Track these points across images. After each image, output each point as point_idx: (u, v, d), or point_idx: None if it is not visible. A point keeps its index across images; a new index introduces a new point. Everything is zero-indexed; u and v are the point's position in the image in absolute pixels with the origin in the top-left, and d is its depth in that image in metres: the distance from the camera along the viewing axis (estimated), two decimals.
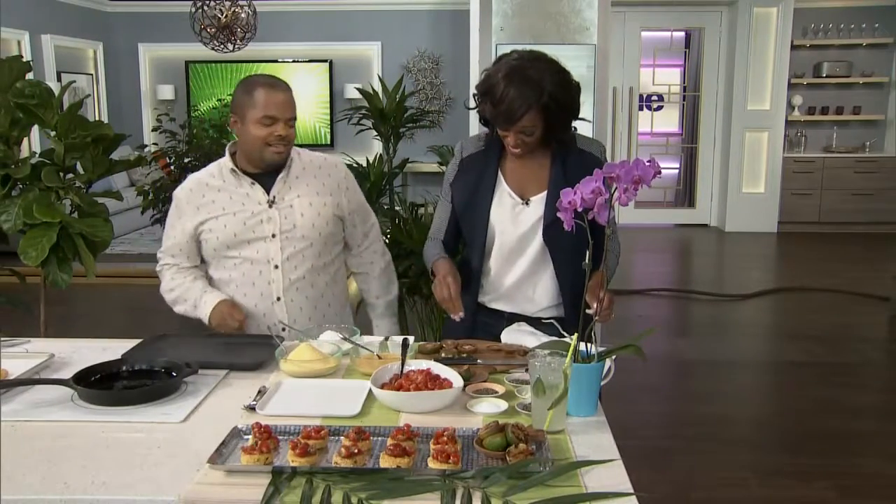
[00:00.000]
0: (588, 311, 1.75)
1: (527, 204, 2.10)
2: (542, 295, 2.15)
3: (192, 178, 2.31)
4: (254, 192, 2.22)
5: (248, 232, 2.21)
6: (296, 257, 2.23)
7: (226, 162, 2.26)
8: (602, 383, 1.62)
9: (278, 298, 2.23)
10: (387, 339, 2.00)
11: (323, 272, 2.29)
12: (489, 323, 2.17)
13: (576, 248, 1.95)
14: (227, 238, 2.21)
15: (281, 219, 2.21)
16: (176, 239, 2.29)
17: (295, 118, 2.19)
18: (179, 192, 2.29)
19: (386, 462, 1.32)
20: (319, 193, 2.27)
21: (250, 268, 2.23)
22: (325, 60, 9.26)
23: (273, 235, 2.21)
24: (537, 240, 2.09)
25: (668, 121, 9.44)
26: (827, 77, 8.65)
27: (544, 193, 2.08)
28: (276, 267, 2.22)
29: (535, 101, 1.94)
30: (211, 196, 2.24)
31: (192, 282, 2.28)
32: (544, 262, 2.12)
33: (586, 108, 4.01)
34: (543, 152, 2.10)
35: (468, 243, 2.19)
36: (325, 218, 2.26)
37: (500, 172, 2.14)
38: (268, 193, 2.22)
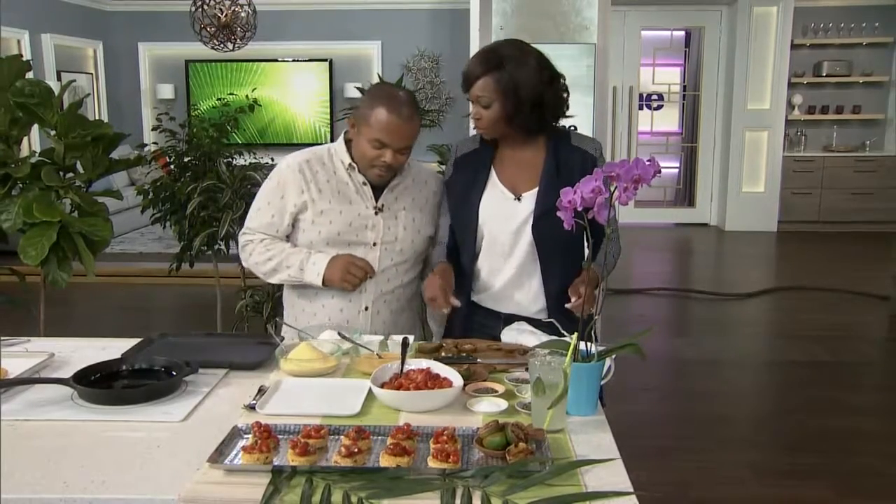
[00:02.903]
0: (566, 304, 1.81)
1: (519, 199, 2.10)
2: (531, 296, 2.13)
3: (298, 157, 2.16)
4: (364, 192, 2.13)
5: (351, 234, 2.11)
6: (390, 270, 2.16)
7: (341, 151, 2.14)
8: (602, 382, 1.62)
9: (366, 308, 2.16)
10: (386, 338, 2.00)
11: (408, 287, 2.23)
12: (486, 324, 2.16)
13: (566, 245, 1.98)
14: (330, 235, 2.11)
15: (384, 229, 2.13)
16: (273, 219, 2.14)
17: (410, 147, 2.06)
18: (285, 170, 2.14)
19: (386, 461, 1.32)
20: (423, 210, 2.19)
21: None
22: (325, 59, 9.26)
23: (374, 244, 2.13)
24: (527, 236, 2.09)
25: (667, 120, 9.44)
26: (827, 76, 8.65)
27: (537, 189, 2.09)
28: (371, 277, 2.15)
29: (489, 66, 1.99)
30: (318, 182, 2.11)
31: (293, 247, 2.14)
32: (534, 261, 2.11)
33: (585, 108, 4.03)
34: (536, 148, 2.11)
35: (459, 241, 2.19)
36: (423, 235, 2.20)
37: (492, 169, 2.15)
38: (376, 199, 2.13)
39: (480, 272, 2.17)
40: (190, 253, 4.05)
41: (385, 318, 2.19)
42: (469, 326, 2.18)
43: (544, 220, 2.03)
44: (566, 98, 2.11)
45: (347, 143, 2.15)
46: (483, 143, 2.18)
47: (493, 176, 2.14)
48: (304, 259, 2.11)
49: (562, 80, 2.09)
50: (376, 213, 2.13)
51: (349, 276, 2.07)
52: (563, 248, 2.05)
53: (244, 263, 2.23)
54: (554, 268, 2.09)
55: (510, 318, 2.13)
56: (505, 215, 2.11)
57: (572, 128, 2.19)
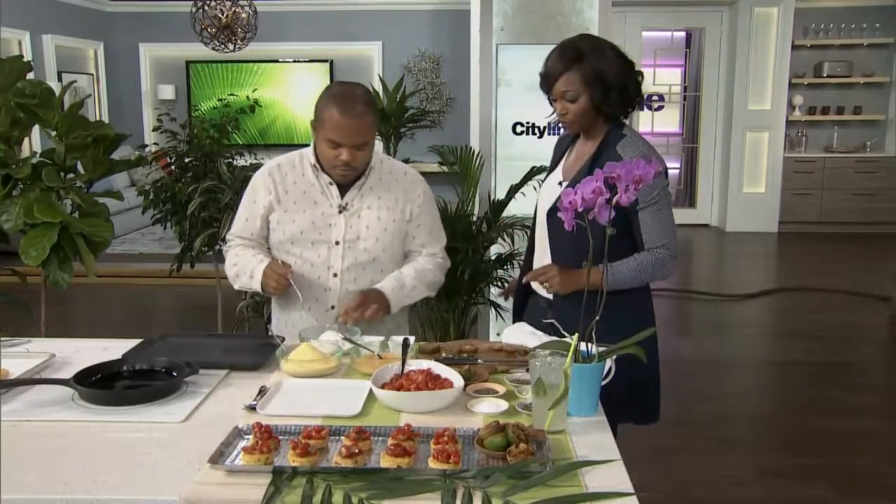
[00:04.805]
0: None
1: (560, 185, 2.15)
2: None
3: (271, 163, 2.23)
4: (329, 192, 2.16)
5: (314, 233, 2.15)
6: (356, 268, 2.18)
7: (309, 153, 2.18)
8: (602, 383, 1.62)
9: (332, 307, 2.18)
10: (387, 339, 2.00)
11: None
12: (533, 306, 2.25)
13: (577, 242, 1.95)
14: (293, 234, 2.15)
15: (346, 227, 2.15)
16: (248, 221, 2.21)
17: (367, 143, 2.07)
18: (257, 175, 2.22)
19: (386, 462, 1.32)
20: (390, 209, 2.19)
21: (310, 270, 2.17)
22: (326, 60, 9.26)
23: (337, 242, 2.16)
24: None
25: (668, 121, 9.43)
26: (827, 77, 8.65)
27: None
28: (335, 275, 2.17)
29: (571, 62, 2.01)
30: (286, 185, 2.17)
31: (254, 255, 2.19)
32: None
33: None
34: (594, 143, 2.12)
35: None
36: (391, 234, 2.19)
37: (566, 155, 2.22)
38: (342, 198, 2.16)
39: (534, 253, 2.26)
40: (191, 254, 4.05)
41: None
42: (523, 307, 2.30)
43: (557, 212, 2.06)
44: (641, 83, 2.13)
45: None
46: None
47: (562, 162, 2.21)
48: (255, 267, 2.15)
49: (636, 68, 2.12)
50: (340, 212, 2.16)
51: (266, 278, 2.11)
52: (573, 241, 2.02)
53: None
54: (564, 259, 2.09)
55: (550, 303, 2.16)
56: (549, 199, 2.16)
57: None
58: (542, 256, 2.20)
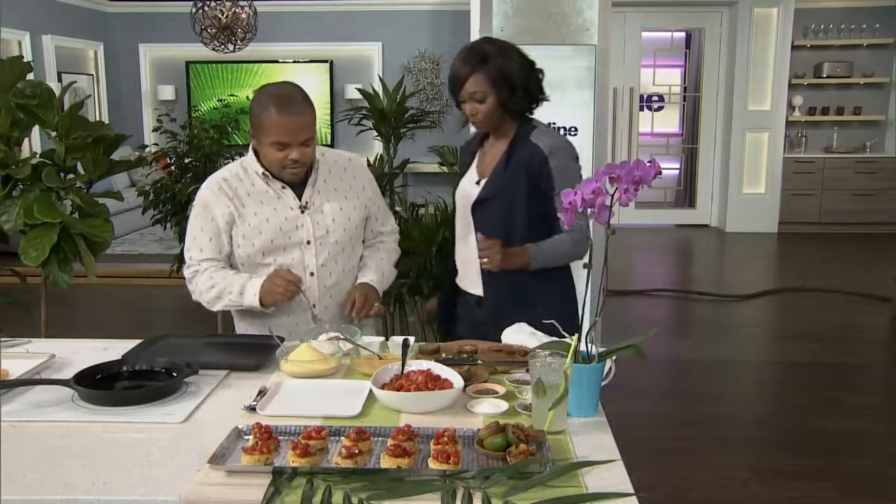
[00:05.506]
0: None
1: (478, 183, 2.24)
2: (473, 278, 2.26)
3: (215, 178, 2.19)
4: (285, 196, 2.15)
5: (283, 238, 2.13)
6: (329, 263, 2.19)
7: (251, 163, 2.17)
8: (602, 384, 1.62)
9: (314, 305, 2.17)
10: (387, 339, 2.00)
11: (350, 275, 2.25)
12: (462, 304, 2.33)
13: (504, 232, 2.13)
14: (264, 244, 2.13)
15: (314, 225, 2.15)
16: (214, 240, 2.15)
17: (311, 137, 2.07)
18: (205, 192, 2.17)
19: (386, 462, 1.32)
20: (348, 197, 2.22)
21: None
22: (326, 61, 9.26)
23: (308, 242, 2.15)
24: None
25: (668, 121, 9.43)
26: (827, 77, 8.64)
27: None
28: (312, 274, 2.16)
29: (476, 63, 2.10)
30: (240, 197, 2.14)
31: (235, 274, 2.16)
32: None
33: (586, 109, 4.03)
34: (506, 138, 2.21)
35: None
36: (355, 221, 2.23)
37: (477, 155, 2.30)
38: (299, 198, 2.16)
39: (457, 252, 2.35)
40: None
41: (333, 311, 2.20)
42: (452, 311, 2.37)
43: (482, 205, 2.19)
44: (542, 81, 2.23)
45: (256, 152, 2.16)
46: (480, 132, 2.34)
47: (475, 161, 2.30)
48: (245, 283, 2.12)
49: (536, 66, 2.21)
50: (302, 212, 2.16)
51: (273, 286, 2.06)
52: (500, 235, 2.12)
53: (193, 296, 2.22)
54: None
55: (479, 301, 2.26)
56: (467, 197, 2.25)
57: (552, 123, 2.27)
58: (465, 249, 2.29)
